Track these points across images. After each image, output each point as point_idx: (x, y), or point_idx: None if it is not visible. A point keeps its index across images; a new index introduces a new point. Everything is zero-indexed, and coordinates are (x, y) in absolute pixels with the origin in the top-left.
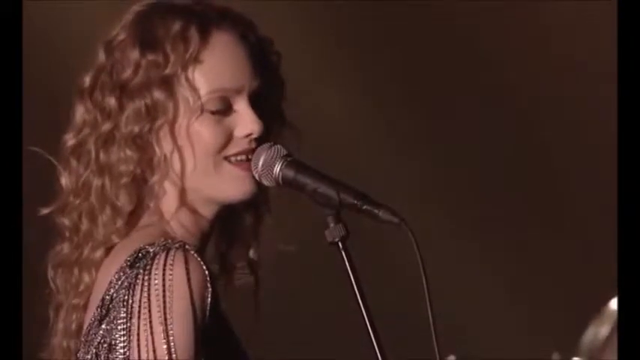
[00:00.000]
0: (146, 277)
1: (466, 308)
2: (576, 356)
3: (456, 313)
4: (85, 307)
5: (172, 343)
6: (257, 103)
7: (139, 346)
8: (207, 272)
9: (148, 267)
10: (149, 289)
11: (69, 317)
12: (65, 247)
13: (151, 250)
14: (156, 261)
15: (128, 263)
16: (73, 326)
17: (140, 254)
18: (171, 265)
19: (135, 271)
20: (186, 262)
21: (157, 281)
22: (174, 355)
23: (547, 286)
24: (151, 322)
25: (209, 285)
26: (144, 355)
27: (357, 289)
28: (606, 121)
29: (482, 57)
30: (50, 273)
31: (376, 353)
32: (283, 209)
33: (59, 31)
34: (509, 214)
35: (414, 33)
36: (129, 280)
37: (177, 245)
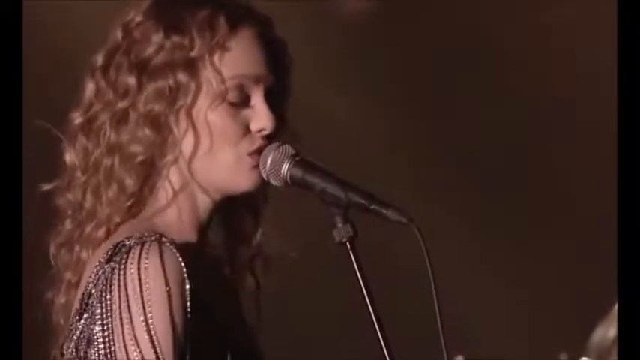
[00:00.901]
0: (122, 272)
1: (470, 309)
2: (584, 356)
3: (460, 314)
4: (77, 284)
5: (155, 336)
6: (269, 102)
7: (124, 339)
8: (182, 264)
9: (123, 261)
10: (125, 283)
11: (64, 294)
12: (67, 224)
13: (127, 243)
14: (131, 254)
15: (105, 258)
16: (63, 300)
17: (117, 248)
18: (146, 257)
19: (111, 266)
20: (161, 255)
21: (132, 275)
22: (157, 347)
23: (552, 287)
24: (130, 315)
25: (186, 277)
26: (130, 348)
27: (365, 289)
28: (606, 121)
29: (484, 58)
30: (52, 252)
31: (384, 353)
32: (286, 208)
33: (59, 31)
34: (511, 214)
35: (416, 33)
36: (105, 274)
37: (152, 238)
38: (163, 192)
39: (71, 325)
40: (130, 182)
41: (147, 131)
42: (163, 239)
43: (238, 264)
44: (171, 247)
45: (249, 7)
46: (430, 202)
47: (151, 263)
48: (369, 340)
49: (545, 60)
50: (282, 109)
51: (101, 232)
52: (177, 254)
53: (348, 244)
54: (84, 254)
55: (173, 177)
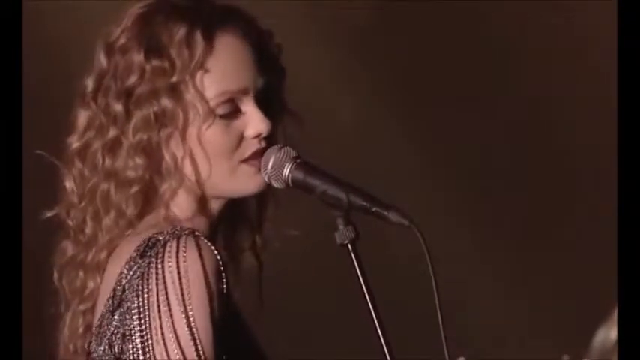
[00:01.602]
0: (159, 265)
1: (471, 309)
2: (586, 358)
3: (461, 315)
4: (93, 309)
5: (195, 328)
6: (263, 100)
7: (163, 332)
8: (219, 257)
9: (160, 255)
10: (164, 277)
11: (75, 321)
12: (70, 248)
13: (161, 238)
14: (167, 248)
15: (138, 252)
16: (80, 330)
17: (150, 243)
18: (184, 251)
19: (147, 260)
20: (199, 248)
21: (171, 268)
22: (197, 340)
23: (553, 287)
24: (170, 309)
25: (222, 269)
26: (168, 342)
27: (367, 290)
28: (606, 121)
29: (484, 57)
30: (56, 273)
31: (385, 354)
32: (287, 208)
33: (59, 31)
34: (511, 215)
35: (417, 33)
36: (141, 269)
37: (187, 232)
38: (176, 208)
39: (100, 326)
40: (129, 209)
41: (137, 160)
42: (197, 233)
43: (236, 248)
44: (206, 240)
45: (226, 7)
46: (431, 202)
47: (190, 256)
48: (370, 340)
49: (545, 60)
50: (280, 95)
51: (104, 255)
52: (213, 247)
53: (349, 246)
54: (91, 283)
55: (182, 199)
